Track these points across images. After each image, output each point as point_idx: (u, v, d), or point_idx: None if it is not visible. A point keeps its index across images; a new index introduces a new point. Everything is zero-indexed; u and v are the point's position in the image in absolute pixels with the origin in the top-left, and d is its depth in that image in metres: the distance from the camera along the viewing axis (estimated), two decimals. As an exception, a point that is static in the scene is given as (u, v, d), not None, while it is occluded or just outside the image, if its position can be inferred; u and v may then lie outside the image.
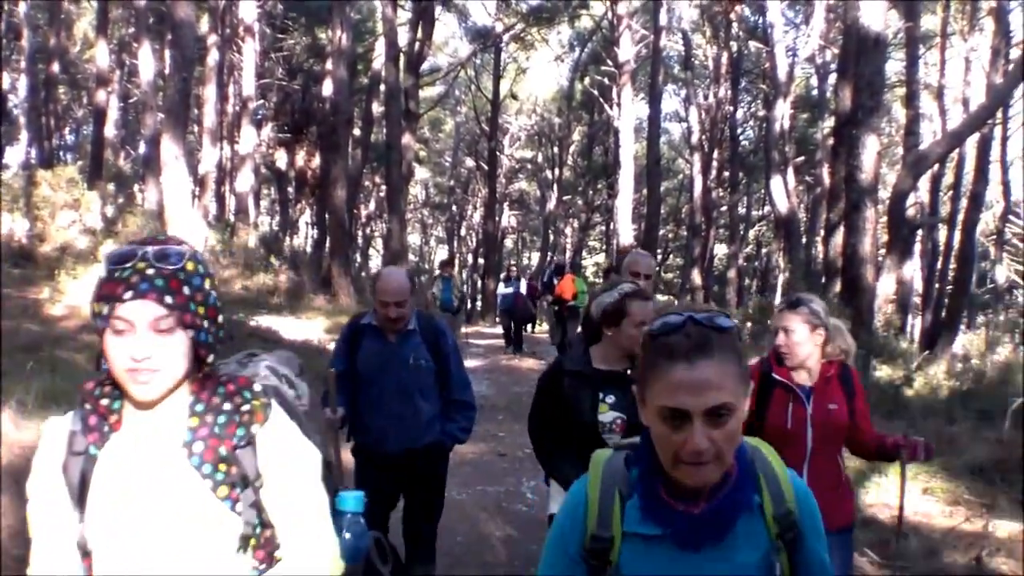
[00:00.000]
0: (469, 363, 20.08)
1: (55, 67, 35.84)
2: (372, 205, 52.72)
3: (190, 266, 2.15)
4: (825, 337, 4.69)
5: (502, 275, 26.10)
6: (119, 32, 38.85)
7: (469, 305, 36.63)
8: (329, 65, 29.33)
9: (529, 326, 26.27)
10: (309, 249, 38.03)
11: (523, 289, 23.61)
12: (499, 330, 25.39)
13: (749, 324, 24.53)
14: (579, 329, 8.94)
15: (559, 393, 4.64)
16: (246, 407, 2.26)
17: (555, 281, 21.27)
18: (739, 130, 44.68)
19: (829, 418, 4.63)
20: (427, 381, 5.80)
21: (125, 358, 2.08)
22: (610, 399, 4.53)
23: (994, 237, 38.05)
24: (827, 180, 26.74)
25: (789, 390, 4.67)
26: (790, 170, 26.72)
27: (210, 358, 2.25)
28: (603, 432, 4.45)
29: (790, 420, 4.62)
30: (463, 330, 21.01)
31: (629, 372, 4.54)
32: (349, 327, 5.99)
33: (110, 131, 30.53)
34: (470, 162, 57.43)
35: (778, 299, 33.86)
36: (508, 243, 66.17)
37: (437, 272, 21.26)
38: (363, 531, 3.15)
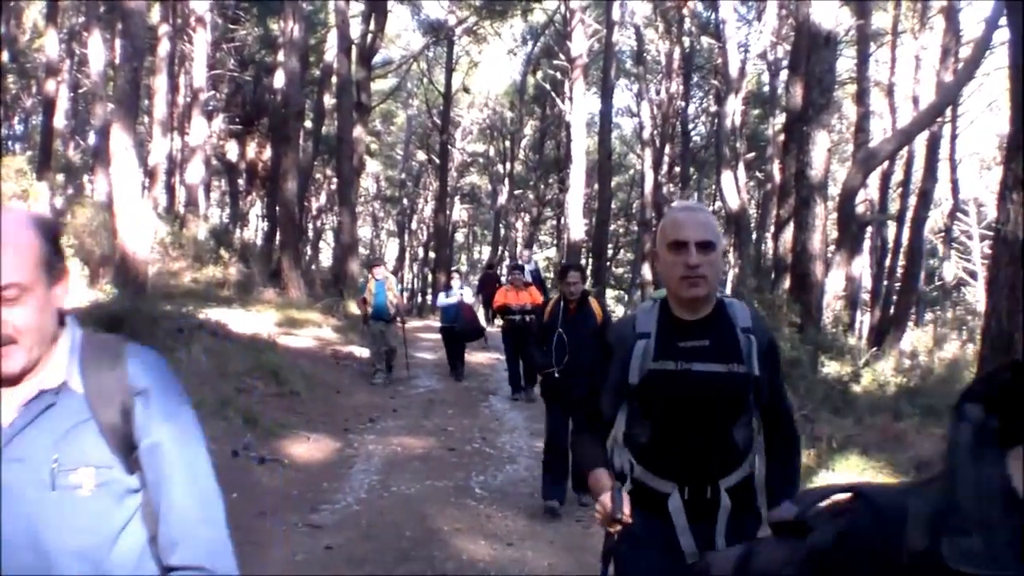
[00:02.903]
0: (419, 354, 19.92)
1: (4, 56, 35.41)
2: (323, 198, 52.43)
3: None
4: None
5: (451, 277, 19.96)
6: (69, 21, 38.40)
7: (411, 306, 36.03)
8: (281, 56, 29.19)
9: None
10: (259, 242, 37.80)
11: (468, 298, 18.26)
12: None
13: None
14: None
15: None
16: None
17: (503, 284, 18.35)
18: (690, 125, 44.86)
19: None
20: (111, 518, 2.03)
21: None
22: None
23: (942, 234, 38.49)
24: (777, 176, 26.87)
25: None
26: (741, 166, 26.80)
27: None
28: None
29: None
30: (407, 325, 19.02)
31: None
32: None
33: (59, 121, 30.20)
34: (422, 155, 57.16)
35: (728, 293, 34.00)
36: (459, 237, 66.24)
37: (367, 274, 18.08)
38: None
